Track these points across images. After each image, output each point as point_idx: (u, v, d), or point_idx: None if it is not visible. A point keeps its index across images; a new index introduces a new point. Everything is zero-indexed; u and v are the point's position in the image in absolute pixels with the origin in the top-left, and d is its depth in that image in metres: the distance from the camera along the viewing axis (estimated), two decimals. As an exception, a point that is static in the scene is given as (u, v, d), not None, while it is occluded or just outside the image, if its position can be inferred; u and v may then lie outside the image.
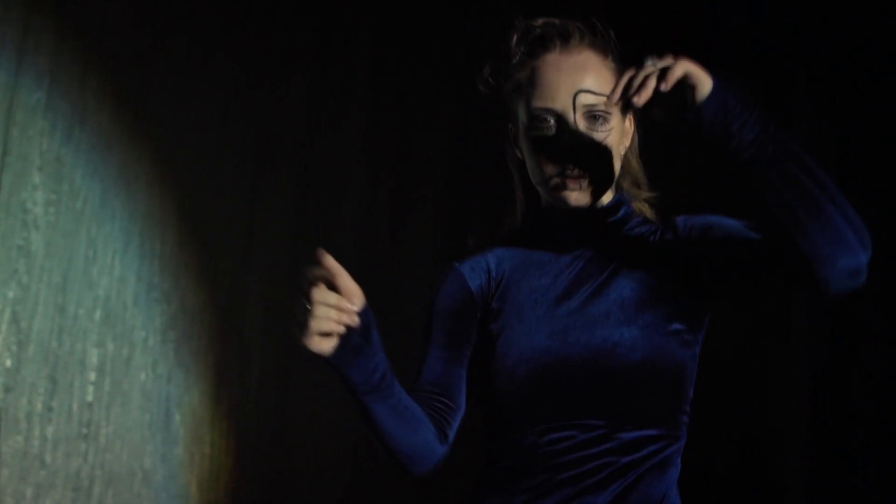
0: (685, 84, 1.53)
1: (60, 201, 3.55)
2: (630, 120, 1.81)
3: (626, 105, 1.52)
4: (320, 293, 1.48)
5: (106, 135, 3.65)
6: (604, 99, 1.70)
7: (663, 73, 1.52)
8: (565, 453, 1.70)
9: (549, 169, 1.74)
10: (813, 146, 3.66)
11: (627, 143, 1.83)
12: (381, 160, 4.05)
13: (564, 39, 1.76)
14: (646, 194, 1.87)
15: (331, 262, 1.50)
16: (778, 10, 3.77)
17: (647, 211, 1.86)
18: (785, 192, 1.53)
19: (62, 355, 3.51)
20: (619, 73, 1.71)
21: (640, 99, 1.50)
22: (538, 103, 1.73)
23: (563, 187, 1.73)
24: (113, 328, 3.60)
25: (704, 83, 1.53)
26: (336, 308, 1.49)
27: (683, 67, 1.52)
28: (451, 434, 1.80)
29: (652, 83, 1.51)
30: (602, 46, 1.79)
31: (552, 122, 1.72)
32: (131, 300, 3.65)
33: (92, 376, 3.55)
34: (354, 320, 1.51)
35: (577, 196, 1.74)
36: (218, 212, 3.84)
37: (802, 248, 1.53)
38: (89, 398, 3.54)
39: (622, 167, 1.83)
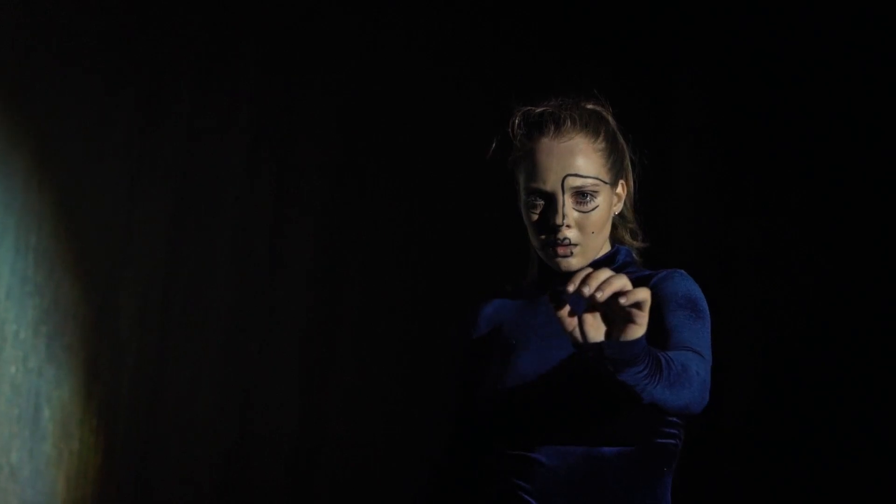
0: (631, 311, 1.57)
1: (-66, 191, 3.52)
2: (623, 185, 2.01)
3: (585, 295, 1.58)
4: None
5: (-16, 126, 3.63)
6: (591, 180, 1.93)
7: (624, 291, 1.57)
8: (550, 470, 1.87)
9: (542, 238, 1.94)
10: (697, 140, 3.81)
11: (619, 208, 2.02)
12: (263, 165, 4.07)
13: (557, 125, 1.95)
14: (639, 244, 2.06)
15: None
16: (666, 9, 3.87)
17: (639, 261, 2.06)
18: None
19: (-70, 347, 3.48)
20: (607, 154, 1.95)
21: (602, 295, 1.55)
22: (531, 183, 1.94)
23: (555, 255, 1.93)
24: (-16, 321, 3.58)
25: (642, 327, 1.59)
26: None
27: (646, 297, 1.57)
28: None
29: (615, 286, 1.55)
30: (594, 128, 1.97)
31: (542, 201, 1.93)
32: (4, 293, 3.62)
33: (-40, 369, 3.52)
34: None
35: (568, 262, 1.93)
36: (95, 208, 3.82)
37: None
38: (-44, 391, 3.51)
39: (620, 220, 2.04)
